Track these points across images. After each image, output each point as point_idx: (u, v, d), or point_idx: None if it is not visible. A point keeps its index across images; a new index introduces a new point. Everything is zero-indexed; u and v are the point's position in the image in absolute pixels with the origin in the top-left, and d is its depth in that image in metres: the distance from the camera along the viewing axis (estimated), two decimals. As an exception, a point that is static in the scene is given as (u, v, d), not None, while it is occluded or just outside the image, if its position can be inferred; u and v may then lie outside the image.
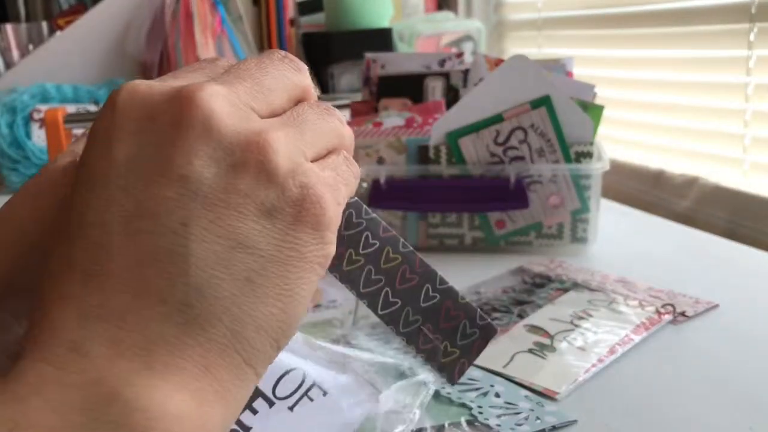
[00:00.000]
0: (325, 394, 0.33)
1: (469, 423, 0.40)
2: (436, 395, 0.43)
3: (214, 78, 0.25)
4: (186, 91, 0.23)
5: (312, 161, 0.25)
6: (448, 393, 0.43)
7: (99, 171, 0.23)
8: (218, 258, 0.22)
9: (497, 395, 0.43)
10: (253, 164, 0.23)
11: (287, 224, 0.23)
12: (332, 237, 0.24)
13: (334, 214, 0.24)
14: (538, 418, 0.40)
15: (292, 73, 0.26)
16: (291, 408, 0.33)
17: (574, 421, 0.40)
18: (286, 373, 0.33)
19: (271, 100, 0.25)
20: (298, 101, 0.26)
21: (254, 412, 0.32)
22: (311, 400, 0.33)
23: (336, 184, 0.25)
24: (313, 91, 0.27)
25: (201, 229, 0.22)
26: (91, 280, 0.21)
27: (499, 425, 0.40)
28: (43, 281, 0.23)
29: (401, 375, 0.45)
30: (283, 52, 0.27)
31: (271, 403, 0.32)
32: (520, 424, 0.40)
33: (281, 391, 0.33)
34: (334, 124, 0.26)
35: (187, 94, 0.23)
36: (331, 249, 0.24)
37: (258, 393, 0.32)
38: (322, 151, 0.25)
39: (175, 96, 0.23)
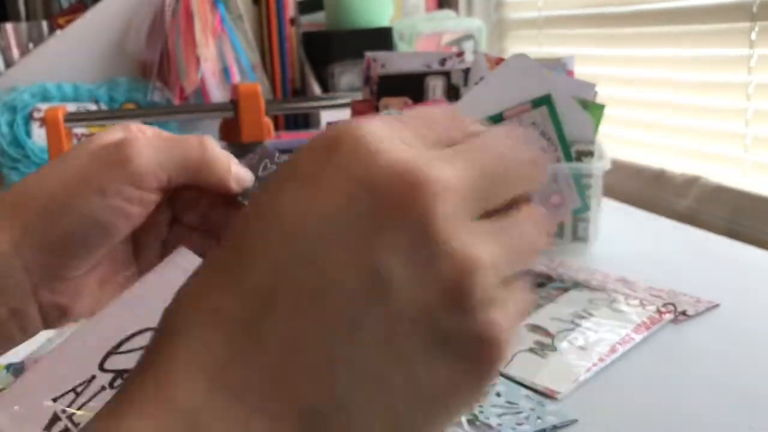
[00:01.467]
0: None
1: (470, 422, 0.40)
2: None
3: (449, 162, 0.21)
4: (419, 174, 0.20)
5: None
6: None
7: (287, 217, 0.20)
8: (374, 375, 0.20)
9: (498, 394, 0.43)
10: (451, 284, 0.20)
11: (457, 359, 0.20)
12: (494, 377, 0.22)
13: (507, 356, 0.21)
14: (539, 417, 0.40)
15: (527, 162, 0.24)
16: None
17: (575, 421, 0.40)
18: None
19: (496, 202, 0.22)
20: (521, 202, 0.24)
21: None
22: None
23: (516, 322, 0.22)
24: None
25: (371, 336, 0.20)
26: (238, 348, 0.20)
27: (500, 424, 0.40)
28: (177, 315, 0.21)
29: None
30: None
31: None
32: (520, 424, 0.40)
33: None
34: (539, 243, 0.24)
35: (419, 180, 0.20)
36: (486, 389, 0.22)
37: None
38: (514, 272, 0.23)
39: (406, 178, 0.20)
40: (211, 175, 0.33)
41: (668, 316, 0.53)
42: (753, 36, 0.84)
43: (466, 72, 0.80)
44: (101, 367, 0.30)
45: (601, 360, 0.47)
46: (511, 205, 0.23)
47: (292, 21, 1.26)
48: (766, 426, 0.40)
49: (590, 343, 0.49)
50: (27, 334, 0.33)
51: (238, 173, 0.34)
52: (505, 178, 0.23)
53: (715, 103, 0.91)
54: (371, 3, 1.20)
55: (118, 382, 0.30)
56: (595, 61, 1.13)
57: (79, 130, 1.13)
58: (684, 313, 0.54)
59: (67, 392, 0.30)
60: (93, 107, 1.15)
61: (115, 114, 1.07)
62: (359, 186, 0.20)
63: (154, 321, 0.24)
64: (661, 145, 1.00)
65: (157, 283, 0.32)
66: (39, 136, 1.10)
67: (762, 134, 0.85)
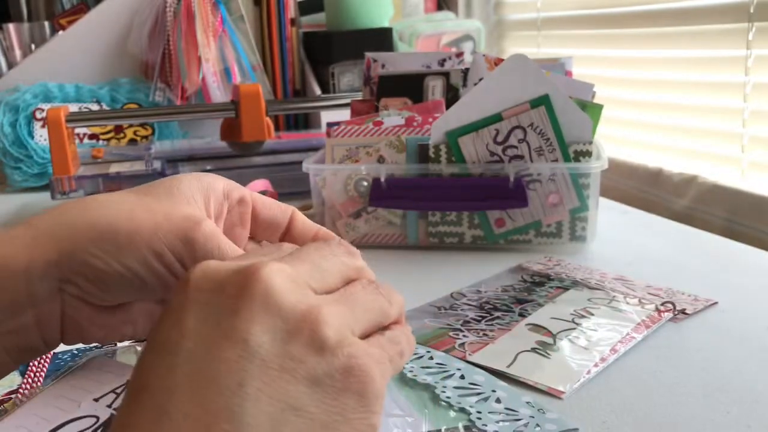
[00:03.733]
0: None
1: (467, 429, 0.40)
2: (435, 399, 0.43)
3: (278, 258, 0.28)
4: (251, 266, 0.26)
5: (360, 337, 0.28)
6: (448, 397, 0.43)
7: (170, 339, 0.25)
8: (270, 418, 0.24)
9: (498, 401, 0.43)
10: (306, 334, 0.25)
11: (336, 390, 0.25)
12: (378, 407, 0.26)
13: (380, 386, 0.26)
14: (537, 425, 0.40)
15: (347, 257, 0.30)
16: None
17: (575, 429, 0.40)
18: None
19: (327, 280, 0.29)
20: (351, 281, 0.30)
21: None
22: None
23: (382, 360, 0.27)
24: (367, 271, 0.31)
25: (256, 389, 0.24)
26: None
27: (496, 431, 0.40)
28: None
29: (404, 381, 0.46)
30: (338, 239, 0.32)
31: None
32: (519, 431, 0.40)
33: None
34: (380, 303, 0.30)
35: (252, 269, 0.26)
36: (377, 419, 0.26)
37: None
38: (368, 327, 0.29)
39: (241, 270, 0.26)
40: None
41: (667, 315, 0.54)
42: (750, 36, 0.84)
43: (465, 72, 0.80)
44: None
45: (602, 360, 0.47)
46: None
47: (293, 21, 1.26)
48: (764, 424, 0.40)
49: (591, 343, 0.49)
50: (48, 346, 0.35)
51: None
52: (329, 265, 0.29)
53: (713, 103, 0.92)
54: (371, 4, 1.21)
55: None
56: (593, 62, 1.14)
57: (81, 130, 1.14)
58: (683, 311, 0.54)
59: None
60: (95, 107, 1.16)
61: (116, 114, 1.08)
62: (211, 291, 0.26)
63: (81, 411, 0.33)
64: (659, 144, 1.01)
65: (77, 381, 0.38)
66: (41, 136, 1.11)
67: (759, 134, 0.85)
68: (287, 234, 0.40)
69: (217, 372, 0.24)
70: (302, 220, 0.41)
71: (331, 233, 0.41)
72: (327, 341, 0.25)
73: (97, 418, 0.34)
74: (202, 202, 0.36)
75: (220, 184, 0.38)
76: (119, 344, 0.52)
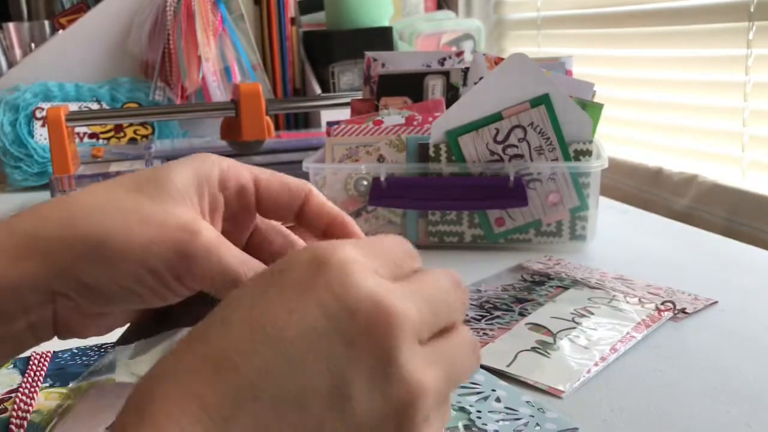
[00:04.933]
0: None
1: (467, 428, 0.40)
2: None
3: (412, 292, 0.27)
4: (385, 308, 0.25)
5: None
6: (448, 397, 0.43)
7: (271, 324, 0.24)
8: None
9: (498, 400, 0.43)
10: (403, 405, 0.24)
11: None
12: None
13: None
14: (537, 424, 0.40)
15: (461, 301, 0.30)
16: None
17: (575, 429, 0.40)
18: None
19: (439, 327, 0.27)
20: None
21: None
22: None
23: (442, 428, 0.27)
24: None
25: None
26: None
27: (496, 431, 0.40)
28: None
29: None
30: (455, 278, 0.31)
31: None
32: (519, 430, 0.40)
33: None
34: (473, 360, 0.29)
35: (385, 312, 0.24)
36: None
37: None
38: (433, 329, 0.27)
39: (376, 305, 0.25)
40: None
41: (667, 314, 0.54)
42: (750, 36, 0.84)
43: (465, 71, 0.80)
44: None
45: (602, 359, 0.47)
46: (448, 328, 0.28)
47: (293, 21, 1.26)
48: (764, 423, 0.40)
49: (592, 342, 0.49)
50: (40, 341, 0.34)
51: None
52: (445, 308, 0.28)
53: (713, 102, 0.92)
54: (371, 3, 1.21)
55: None
56: (593, 61, 1.14)
57: (81, 129, 1.14)
58: (683, 310, 0.54)
59: None
60: (95, 107, 1.16)
61: (116, 113, 1.08)
62: (340, 306, 0.24)
63: None
64: (659, 144, 1.01)
65: (87, 413, 0.35)
66: (41, 135, 1.11)
67: (759, 133, 0.85)
68: (301, 216, 0.37)
69: (304, 403, 0.24)
70: (318, 203, 0.37)
71: (350, 220, 0.39)
72: (414, 418, 0.25)
73: None
74: (197, 199, 0.34)
75: (215, 172, 0.35)
76: (118, 349, 0.51)
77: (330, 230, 0.38)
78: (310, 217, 0.37)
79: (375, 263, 0.27)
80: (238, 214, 0.36)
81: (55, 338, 0.48)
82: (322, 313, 0.24)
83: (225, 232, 0.35)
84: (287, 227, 0.40)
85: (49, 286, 0.31)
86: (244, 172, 0.36)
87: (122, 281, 0.31)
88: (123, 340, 0.39)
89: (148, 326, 0.37)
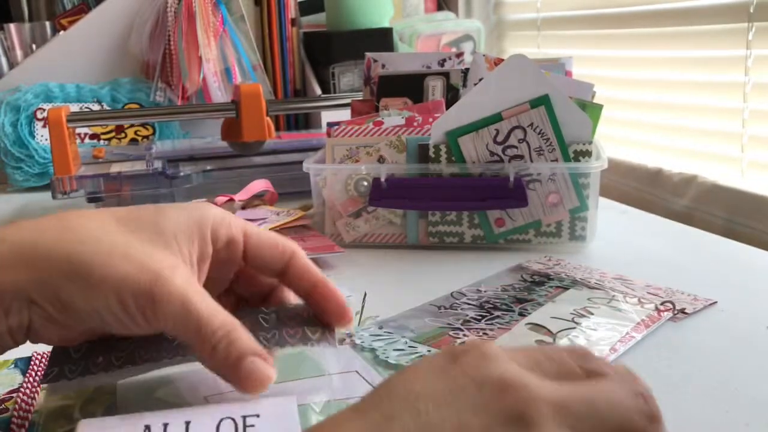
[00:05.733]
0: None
1: None
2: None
3: (561, 383, 0.28)
4: (513, 381, 0.27)
5: None
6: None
7: (418, 393, 0.27)
8: None
9: None
10: None
11: None
12: None
13: None
14: None
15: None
16: None
17: None
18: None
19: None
20: None
21: None
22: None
23: None
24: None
25: None
26: None
27: None
28: None
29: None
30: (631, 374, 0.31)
31: None
32: None
33: None
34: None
35: (512, 384, 0.27)
36: None
37: None
38: None
39: (504, 380, 0.27)
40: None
41: (667, 314, 0.54)
42: (750, 36, 0.84)
43: (465, 72, 0.81)
44: None
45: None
46: None
47: (293, 22, 1.26)
48: (763, 423, 0.40)
49: (591, 342, 0.49)
50: (17, 344, 0.37)
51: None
52: (602, 418, 0.28)
53: (713, 103, 0.92)
54: (371, 4, 1.21)
55: None
56: (593, 62, 1.14)
57: (82, 130, 1.14)
58: (683, 311, 0.55)
59: None
60: (96, 107, 1.16)
61: (117, 114, 1.08)
62: (473, 382, 0.27)
63: None
64: (659, 144, 1.01)
65: None
66: (42, 136, 1.11)
67: (759, 134, 0.86)
68: (285, 275, 0.40)
69: None
70: (302, 264, 0.39)
71: (333, 287, 0.40)
72: None
73: None
74: (186, 248, 0.36)
75: (208, 222, 0.38)
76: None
77: (314, 292, 0.40)
78: (293, 277, 0.40)
79: (518, 356, 0.30)
80: (226, 263, 0.39)
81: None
82: (458, 387, 0.27)
83: (210, 275, 0.38)
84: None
85: (29, 295, 0.34)
86: (235, 227, 0.39)
87: (94, 305, 0.34)
88: (60, 365, 0.39)
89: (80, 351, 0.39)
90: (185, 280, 0.34)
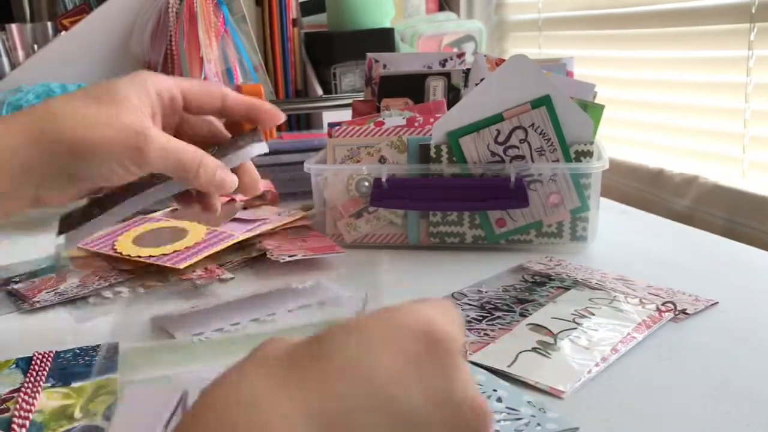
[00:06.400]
0: None
1: None
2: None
3: None
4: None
5: None
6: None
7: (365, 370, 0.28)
8: None
9: (499, 400, 0.43)
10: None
11: None
12: None
13: None
14: (538, 424, 0.40)
15: None
16: None
17: (576, 429, 0.40)
18: None
19: None
20: None
21: None
22: None
23: None
24: None
25: None
26: None
27: (497, 431, 0.40)
28: None
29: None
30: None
31: None
32: (520, 430, 0.40)
33: None
34: None
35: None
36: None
37: None
38: None
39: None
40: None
41: (668, 315, 0.54)
42: (751, 37, 0.84)
43: (467, 73, 0.81)
44: None
45: (603, 359, 0.47)
46: None
47: (295, 22, 1.26)
48: (764, 424, 0.40)
49: (592, 343, 0.49)
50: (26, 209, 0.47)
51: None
52: None
53: (714, 103, 0.92)
54: (373, 5, 1.21)
55: None
56: (594, 63, 1.14)
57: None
58: (684, 311, 0.55)
59: None
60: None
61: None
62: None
63: None
64: (660, 145, 1.01)
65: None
66: (43, 136, 1.11)
67: (760, 134, 0.86)
68: (223, 112, 0.52)
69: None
70: (234, 97, 0.51)
71: (264, 103, 0.52)
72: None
73: None
74: (147, 110, 0.47)
75: (152, 88, 0.48)
76: (121, 347, 0.52)
77: (250, 111, 0.52)
78: (230, 110, 0.51)
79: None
80: (170, 115, 0.50)
81: (56, 338, 0.50)
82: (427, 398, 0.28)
83: (161, 125, 0.49)
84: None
85: (42, 172, 0.44)
86: (174, 86, 0.49)
87: (97, 170, 0.45)
88: (68, 225, 0.50)
89: (89, 207, 0.51)
90: (158, 132, 0.46)
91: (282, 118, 0.53)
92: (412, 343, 0.28)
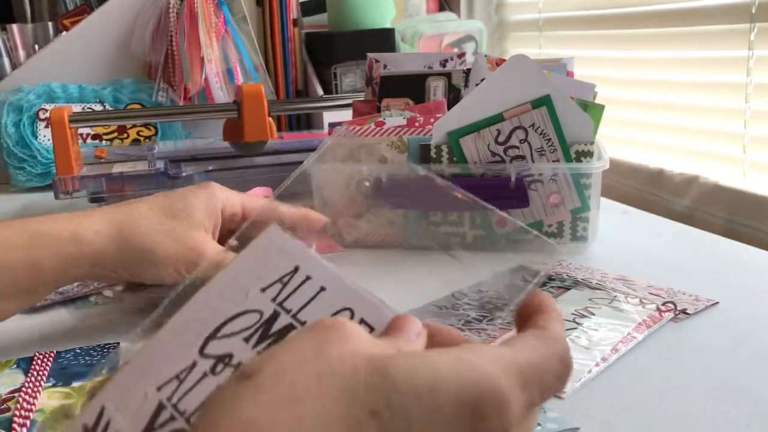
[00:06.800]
0: (372, 330, 0.30)
1: None
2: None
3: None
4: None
5: None
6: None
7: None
8: None
9: None
10: None
11: None
12: None
13: None
14: (539, 424, 0.40)
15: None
16: None
17: (576, 429, 0.40)
18: (335, 313, 0.31)
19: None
20: None
21: None
22: None
23: None
24: None
25: None
26: None
27: None
28: None
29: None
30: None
31: None
32: None
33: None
34: None
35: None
36: None
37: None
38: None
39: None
40: None
41: (668, 315, 0.54)
42: (752, 37, 0.84)
43: (467, 73, 0.81)
44: (201, 353, 0.30)
45: (604, 359, 0.47)
46: None
47: (295, 22, 1.26)
48: (765, 424, 0.40)
49: (593, 342, 0.49)
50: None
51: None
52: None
53: (714, 103, 0.92)
54: (373, 5, 1.21)
55: (220, 367, 0.29)
56: (594, 63, 1.14)
57: (84, 130, 1.14)
58: (684, 311, 0.55)
59: (171, 380, 0.30)
60: (98, 108, 1.16)
61: (119, 114, 1.08)
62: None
63: (249, 304, 0.30)
64: (660, 145, 1.01)
65: (248, 265, 0.32)
66: (45, 136, 1.11)
67: (760, 134, 0.86)
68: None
69: None
70: (289, 215, 0.56)
71: (309, 211, 0.58)
72: None
73: (261, 313, 0.31)
74: (210, 225, 0.54)
75: (219, 204, 0.55)
76: (122, 344, 0.52)
77: (302, 224, 0.58)
78: (284, 222, 0.55)
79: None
80: (227, 225, 0.56)
81: (57, 338, 0.50)
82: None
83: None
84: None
85: (114, 267, 0.53)
86: (236, 201, 0.56)
87: (157, 275, 0.53)
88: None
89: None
90: (213, 246, 0.53)
91: (324, 221, 0.62)
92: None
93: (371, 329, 0.30)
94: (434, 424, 0.23)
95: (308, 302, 0.31)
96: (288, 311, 0.31)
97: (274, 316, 0.31)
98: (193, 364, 0.30)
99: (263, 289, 0.31)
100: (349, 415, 0.22)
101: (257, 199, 0.59)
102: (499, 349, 0.27)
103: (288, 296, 0.31)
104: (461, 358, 0.25)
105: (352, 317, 0.31)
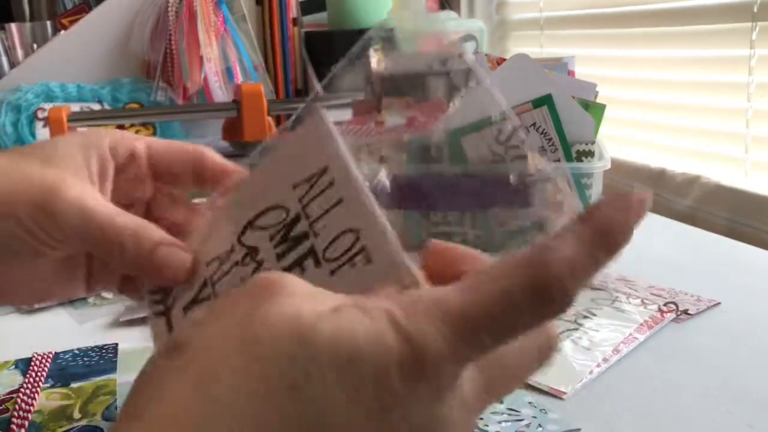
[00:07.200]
0: (369, 262, 0.27)
1: None
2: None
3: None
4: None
5: None
6: (450, 397, 0.43)
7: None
8: None
9: (500, 401, 0.42)
10: None
11: None
12: None
13: None
14: (540, 425, 0.40)
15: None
16: (332, 272, 0.28)
17: (578, 430, 0.40)
18: (343, 233, 0.29)
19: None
20: None
21: (302, 270, 0.28)
22: (353, 266, 0.27)
23: None
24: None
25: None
26: None
27: None
28: None
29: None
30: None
31: (317, 264, 0.28)
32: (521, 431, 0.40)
33: (331, 253, 0.28)
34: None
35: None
36: None
37: (311, 252, 0.28)
38: None
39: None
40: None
41: (670, 315, 0.53)
42: (753, 36, 0.84)
43: (468, 72, 0.80)
44: (239, 240, 0.29)
45: (605, 360, 0.47)
46: None
47: (295, 21, 1.26)
48: (765, 424, 0.40)
49: (594, 343, 0.49)
50: None
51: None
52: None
53: (716, 103, 0.92)
54: (373, 3, 1.21)
55: (247, 260, 0.28)
56: (596, 62, 1.13)
57: (82, 129, 1.14)
58: (686, 312, 0.54)
59: (214, 259, 0.29)
60: (97, 107, 1.16)
61: (118, 114, 1.08)
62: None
63: (281, 199, 0.28)
64: (662, 144, 1.01)
65: (291, 149, 0.30)
66: (43, 135, 1.11)
67: (762, 134, 0.85)
68: (201, 180, 0.37)
69: None
70: (213, 161, 0.38)
71: (245, 171, 0.38)
72: None
73: (288, 212, 0.29)
74: (81, 160, 0.34)
75: (105, 140, 0.35)
76: (121, 345, 0.52)
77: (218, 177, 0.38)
78: (209, 177, 0.37)
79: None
80: (133, 183, 0.37)
81: (56, 339, 0.49)
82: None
83: (120, 198, 0.36)
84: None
85: None
86: (137, 141, 0.36)
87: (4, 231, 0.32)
88: None
89: None
90: (80, 189, 0.32)
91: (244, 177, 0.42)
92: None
93: (368, 261, 0.27)
94: (356, 406, 0.20)
95: (325, 213, 0.28)
96: (308, 217, 0.29)
97: (297, 218, 0.29)
98: (231, 249, 0.29)
99: (294, 186, 0.29)
100: (267, 392, 0.20)
101: (176, 141, 0.39)
102: (442, 299, 0.22)
103: (311, 200, 0.29)
104: (392, 319, 0.21)
105: (356, 240, 0.28)
